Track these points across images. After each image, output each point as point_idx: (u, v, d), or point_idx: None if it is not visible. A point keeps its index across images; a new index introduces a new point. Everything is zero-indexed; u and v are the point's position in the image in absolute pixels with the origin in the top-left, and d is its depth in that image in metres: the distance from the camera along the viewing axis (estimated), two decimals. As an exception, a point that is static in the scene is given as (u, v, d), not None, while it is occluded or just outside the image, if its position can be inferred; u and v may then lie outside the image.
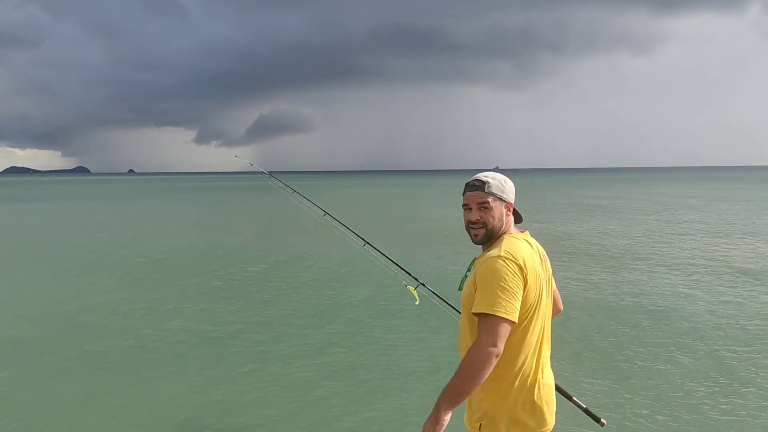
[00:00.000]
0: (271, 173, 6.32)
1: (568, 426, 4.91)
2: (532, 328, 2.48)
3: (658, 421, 5.47)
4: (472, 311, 2.39)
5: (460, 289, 2.65)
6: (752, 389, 6.17)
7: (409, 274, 4.03)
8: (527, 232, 2.70)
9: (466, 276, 2.62)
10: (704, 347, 7.59)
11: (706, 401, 5.88)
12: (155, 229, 25.32)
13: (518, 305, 2.36)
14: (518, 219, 2.72)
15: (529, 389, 2.47)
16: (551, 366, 2.72)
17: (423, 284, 3.89)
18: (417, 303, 3.85)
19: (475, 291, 2.41)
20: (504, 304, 2.31)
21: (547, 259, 2.72)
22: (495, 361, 2.30)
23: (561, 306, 2.95)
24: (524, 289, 2.40)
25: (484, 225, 2.57)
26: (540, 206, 34.45)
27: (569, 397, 3.11)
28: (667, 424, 5.39)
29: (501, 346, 2.30)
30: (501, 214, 2.59)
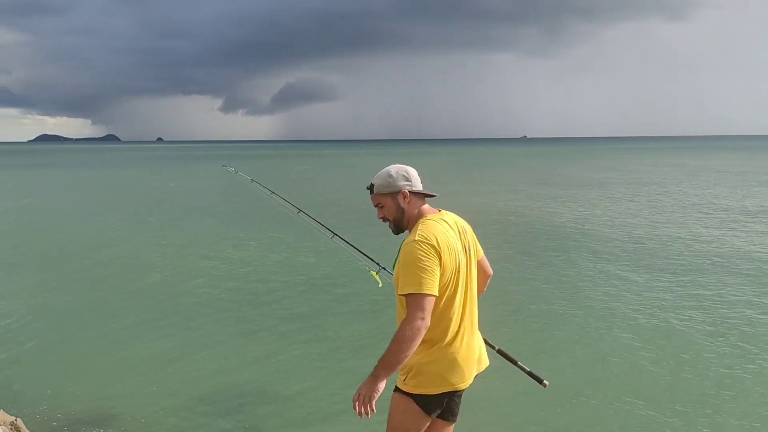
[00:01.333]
0: (253, 180, 6.99)
1: (516, 387, 5.34)
2: (451, 297, 2.80)
3: (597, 381, 6.01)
4: (399, 293, 2.73)
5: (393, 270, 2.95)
6: (682, 344, 6.95)
7: (372, 260, 4.31)
8: (442, 211, 2.99)
9: (396, 259, 2.85)
10: (645, 311, 8.24)
11: (645, 360, 6.50)
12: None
13: (437, 280, 2.68)
14: (431, 195, 2.99)
15: (450, 351, 2.80)
16: (483, 329, 3.10)
17: (384, 268, 4.14)
18: (380, 286, 4.12)
19: (400, 270, 2.72)
20: (425, 281, 2.63)
21: (468, 231, 3.01)
22: (424, 332, 2.62)
23: (490, 271, 3.24)
24: (440, 266, 2.70)
25: (389, 220, 2.98)
26: (531, 180, 33.98)
27: (514, 362, 3.38)
28: (605, 382, 5.95)
29: (428, 318, 2.63)
30: (396, 205, 2.93)
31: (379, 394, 2.66)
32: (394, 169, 2.97)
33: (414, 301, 2.63)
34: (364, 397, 2.66)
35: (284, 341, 7.38)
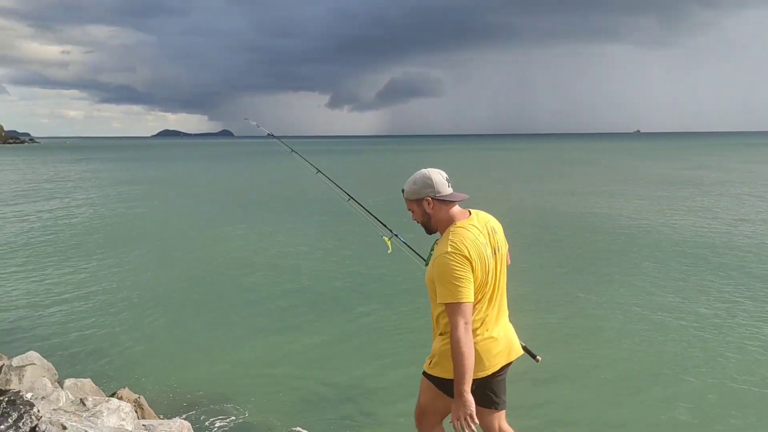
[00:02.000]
0: (293, 150, 6.92)
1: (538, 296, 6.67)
2: (479, 300, 3.01)
3: (591, 355, 6.62)
4: (439, 302, 2.93)
5: (426, 264, 3.20)
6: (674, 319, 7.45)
7: (385, 226, 4.39)
8: (472, 213, 3.16)
9: (430, 255, 3.13)
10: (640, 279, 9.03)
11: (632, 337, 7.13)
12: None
13: (472, 287, 2.90)
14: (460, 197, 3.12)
15: (478, 344, 2.98)
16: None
17: (396, 235, 4.25)
18: (389, 252, 4.20)
19: (436, 281, 2.93)
20: (461, 291, 2.85)
21: (498, 231, 3.18)
22: (471, 334, 2.86)
23: (509, 261, 3.35)
24: (474, 272, 2.92)
25: (420, 223, 3.19)
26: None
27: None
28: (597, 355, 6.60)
29: (470, 320, 2.88)
30: (422, 211, 3.12)
31: (472, 408, 2.81)
32: (420, 175, 3.11)
33: (454, 310, 2.84)
34: (462, 417, 2.81)
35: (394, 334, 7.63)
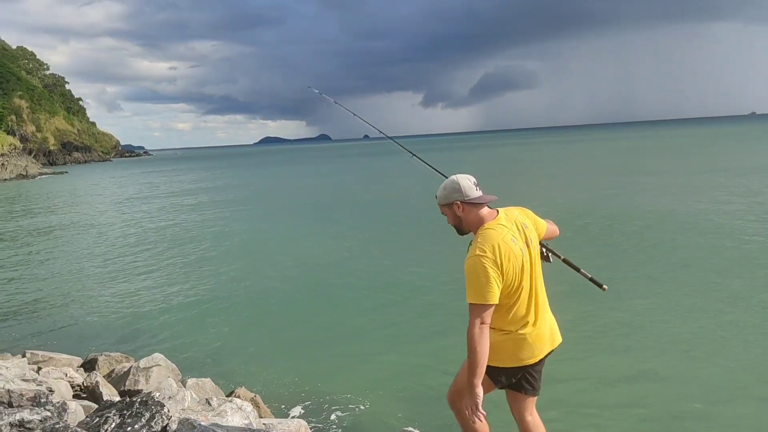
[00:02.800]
0: (392, 138, 6.38)
1: (579, 290, 6.03)
2: (515, 292, 3.19)
3: (655, 283, 7.45)
4: (467, 300, 3.07)
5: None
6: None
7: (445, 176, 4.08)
8: (500, 212, 3.29)
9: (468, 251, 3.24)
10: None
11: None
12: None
13: (497, 290, 3.04)
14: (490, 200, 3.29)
15: (521, 334, 3.23)
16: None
17: (416, 155, 4.41)
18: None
19: (466, 281, 3.08)
20: (485, 293, 3.01)
21: (528, 225, 3.32)
22: (487, 333, 3.02)
23: (558, 232, 3.61)
24: (501, 273, 3.07)
25: (453, 226, 3.38)
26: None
27: (578, 269, 3.70)
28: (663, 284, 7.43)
29: (488, 321, 3.03)
30: (453, 214, 3.30)
31: (481, 398, 3.03)
32: (449, 182, 3.29)
33: (474, 309, 3.02)
34: (471, 406, 3.04)
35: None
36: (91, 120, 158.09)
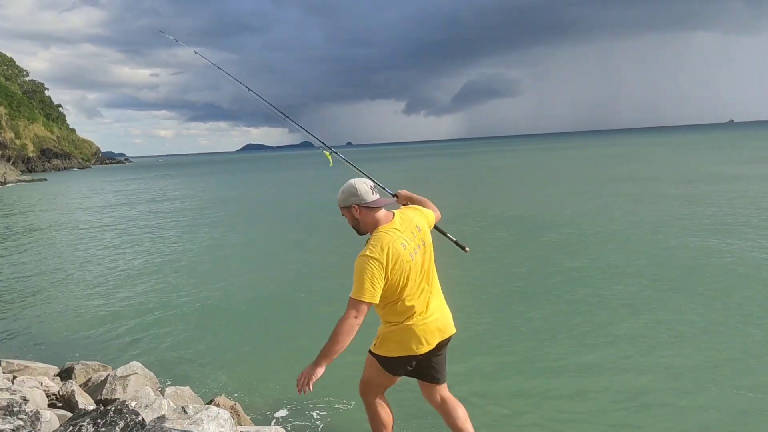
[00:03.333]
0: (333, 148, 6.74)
1: (445, 250, 5.27)
2: (403, 290, 3.41)
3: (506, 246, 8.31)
4: (351, 295, 3.27)
5: None
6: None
7: (325, 145, 4.72)
8: (396, 215, 3.54)
9: None
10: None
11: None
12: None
13: (378, 290, 3.27)
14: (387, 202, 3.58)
15: (409, 325, 3.47)
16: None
17: (336, 152, 4.60)
18: (330, 165, 4.49)
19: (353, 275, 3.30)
20: (365, 291, 3.23)
21: (422, 227, 3.57)
22: (356, 329, 3.23)
23: (439, 215, 3.90)
24: (386, 275, 3.30)
25: (352, 227, 3.59)
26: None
27: (444, 233, 4.07)
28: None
29: (361, 317, 3.25)
30: (351, 217, 3.51)
31: (317, 377, 3.25)
32: (347, 185, 3.49)
33: (352, 304, 3.23)
34: (305, 378, 3.26)
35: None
36: (71, 127, 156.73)
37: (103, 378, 5.74)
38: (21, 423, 3.36)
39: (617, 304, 8.47)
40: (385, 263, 3.28)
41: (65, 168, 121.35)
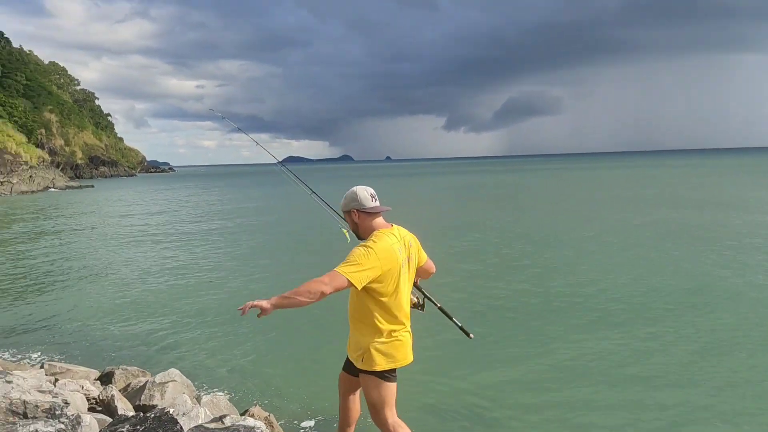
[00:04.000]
0: (281, 162, 6.79)
1: (449, 337, 6.38)
2: (393, 294, 3.56)
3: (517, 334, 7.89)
4: (337, 268, 3.37)
5: None
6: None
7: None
8: (394, 226, 3.73)
9: None
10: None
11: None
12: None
13: (366, 277, 3.36)
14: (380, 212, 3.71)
15: (393, 338, 3.61)
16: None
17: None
18: (348, 242, 4.45)
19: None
20: (351, 270, 3.32)
21: (413, 244, 3.79)
22: (319, 297, 3.27)
23: (434, 270, 4.10)
24: (377, 269, 3.41)
25: (352, 231, 3.83)
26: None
27: (450, 317, 4.20)
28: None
29: (330, 289, 3.26)
30: (351, 221, 3.75)
31: (256, 308, 3.30)
32: (349, 192, 3.71)
33: (334, 274, 3.30)
34: (253, 305, 3.31)
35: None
36: (119, 135, 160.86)
37: (141, 384, 5.80)
38: (62, 426, 3.40)
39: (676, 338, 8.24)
40: (380, 256, 3.42)
41: (112, 175, 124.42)
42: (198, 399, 5.57)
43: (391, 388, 3.69)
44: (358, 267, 3.34)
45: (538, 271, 12.52)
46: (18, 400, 3.80)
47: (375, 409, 3.71)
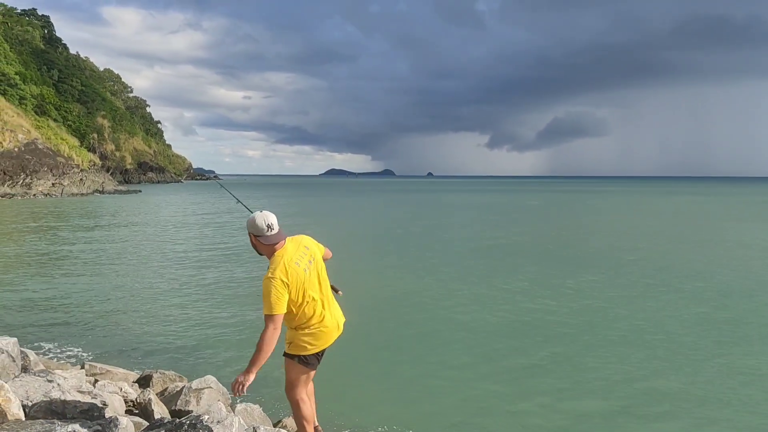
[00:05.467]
0: (217, 177, 7.91)
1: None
2: (301, 300, 4.19)
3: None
4: (263, 312, 4.03)
5: None
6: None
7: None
8: (287, 240, 4.33)
9: None
10: None
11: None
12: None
13: (284, 302, 4.05)
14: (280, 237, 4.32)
15: (312, 327, 4.31)
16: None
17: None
18: None
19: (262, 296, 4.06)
20: (275, 306, 4.00)
21: (310, 246, 4.43)
22: (275, 337, 3.98)
23: (330, 255, 4.71)
24: (288, 290, 4.07)
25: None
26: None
27: (336, 291, 4.75)
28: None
29: (279, 327, 4.01)
30: (251, 242, 4.38)
31: (248, 383, 3.94)
32: (251, 219, 4.29)
33: (269, 319, 3.99)
34: (239, 384, 3.93)
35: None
36: (167, 142, 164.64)
37: (178, 389, 5.84)
38: (99, 428, 3.42)
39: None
40: (285, 279, 4.05)
41: (158, 181, 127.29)
42: (233, 407, 5.57)
43: (308, 373, 4.44)
44: (276, 299, 4.00)
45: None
46: (58, 400, 3.85)
47: (291, 384, 4.41)
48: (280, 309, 4.03)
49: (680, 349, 8.55)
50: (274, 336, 3.99)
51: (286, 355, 4.42)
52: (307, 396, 4.51)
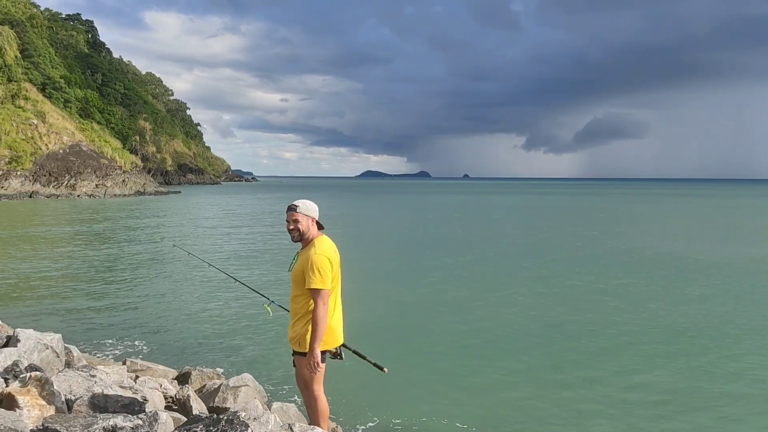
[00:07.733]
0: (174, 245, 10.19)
1: (361, 372, 6.13)
2: (332, 289, 4.38)
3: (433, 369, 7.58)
4: (308, 287, 4.26)
5: (290, 270, 4.60)
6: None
7: (264, 296, 5.98)
8: (323, 234, 4.57)
9: (293, 262, 4.60)
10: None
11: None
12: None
13: (330, 279, 4.28)
14: (321, 227, 4.59)
15: (332, 326, 4.43)
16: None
17: (273, 302, 5.80)
18: (271, 316, 5.52)
19: (304, 274, 4.29)
20: (325, 281, 4.24)
21: (336, 250, 4.56)
22: (327, 311, 4.27)
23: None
24: (332, 270, 4.32)
25: (297, 231, 4.50)
26: None
27: (363, 357, 4.80)
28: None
29: (327, 303, 4.28)
30: (306, 225, 4.50)
31: (318, 358, 4.29)
32: (312, 204, 4.56)
33: (319, 294, 4.23)
34: (314, 363, 4.28)
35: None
36: (206, 144, 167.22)
37: (216, 386, 5.92)
38: (140, 422, 3.50)
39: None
40: (331, 260, 4.35)
41: (198, 182, 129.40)
42: (269, 405, 5.63)
43: (323, 369, 4.50)
44: (327, 275, 4.27)
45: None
46: (100, 394, 3.94)
47: (308, 380, 4.49)
48: (328, 284, 4.27)
49: (726, 352, 8.35)
50: (325, 310, 4.23)
51: (299, 354, 4.49)
52: (323, 393, 4.63)
